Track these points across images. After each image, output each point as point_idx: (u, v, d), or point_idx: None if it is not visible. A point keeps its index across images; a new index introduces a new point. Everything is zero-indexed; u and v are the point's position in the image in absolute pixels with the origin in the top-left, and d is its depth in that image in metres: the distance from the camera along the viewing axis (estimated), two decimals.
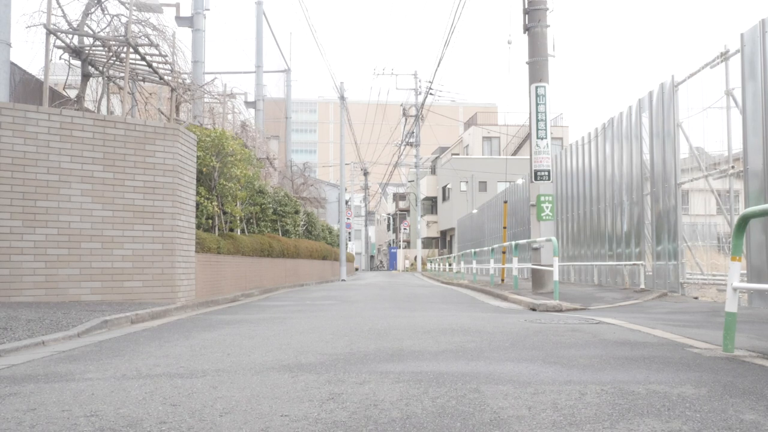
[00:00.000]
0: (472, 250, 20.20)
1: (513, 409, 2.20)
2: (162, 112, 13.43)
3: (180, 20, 16.30)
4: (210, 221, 10.87)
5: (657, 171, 10.75)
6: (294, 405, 2.29)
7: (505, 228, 17.04)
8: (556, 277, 8.43)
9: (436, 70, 27.65)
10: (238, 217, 12.81)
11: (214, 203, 10.70)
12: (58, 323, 4.89)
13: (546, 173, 10.40)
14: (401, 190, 61.00)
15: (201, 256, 9.10)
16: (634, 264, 11.48)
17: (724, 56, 8.57)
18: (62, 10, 9.78)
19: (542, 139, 10.40)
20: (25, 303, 6.53)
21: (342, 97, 25.01)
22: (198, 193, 10.02)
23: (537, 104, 10.39)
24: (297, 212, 18.98)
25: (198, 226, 9.97)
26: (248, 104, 24.07)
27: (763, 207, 3.54)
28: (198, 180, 10.08)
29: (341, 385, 2.65)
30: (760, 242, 7.30)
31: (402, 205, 59.13)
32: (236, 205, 11.91)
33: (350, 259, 37.58)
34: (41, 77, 10.21)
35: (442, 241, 48.30)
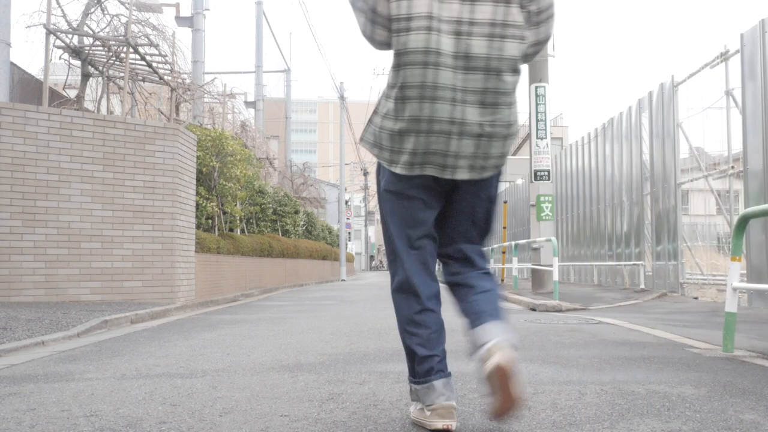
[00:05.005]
0: None
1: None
2: (162, 112, 13.43)
3: (180, 20, 16.30)
4: (210, 221, 10.87)
5: (657, 171, 10.75)
6: (294, 405, 2.29)
7: (504, 228, 17.04)
8: (555, 277, 8.44)
9: None
10: (238, 217, 12.81)
11: (214, 203, 10.70)
12: (57, 323, 4.89)
13: (546, 173, 10.40)
14: None
15: (201, 256, 9.10)
16: (633, 264, 11.48)
17: (724, 56, 8.57)
18: (62, 10, 9.79)
19: (542, 139, 10.40)
20: (25, 303, 6.53)
21: (342, 97, 25.02)
22: (198, 193, 10.02)
23: (537, 104, 10.39)
24: (297, 212, 18.97)
25: (198, 226, 9.97)
26: (248, 104, 24.08)
27: (763, 207, 3.54)
28: (198, 180, 10.08)
29: (341, 385, 2.65)
30: (760, 242, 7.30)
31: None
32: (236, 205, 11.91)
33: (350, 259, 37.57)
34: (41, 77, 10.21)
35: None
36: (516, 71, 1.87)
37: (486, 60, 1.80)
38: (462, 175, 1.87)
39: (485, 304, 1.92)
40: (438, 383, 1.87)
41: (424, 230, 1.99)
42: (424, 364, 1.90)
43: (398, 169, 1.89)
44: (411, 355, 1.95)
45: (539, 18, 1.92)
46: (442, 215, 2.04)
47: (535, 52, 1.98)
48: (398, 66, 1.84)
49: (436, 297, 2.00)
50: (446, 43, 1.78)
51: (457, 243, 2.05)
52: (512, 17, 1.83)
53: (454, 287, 2.05)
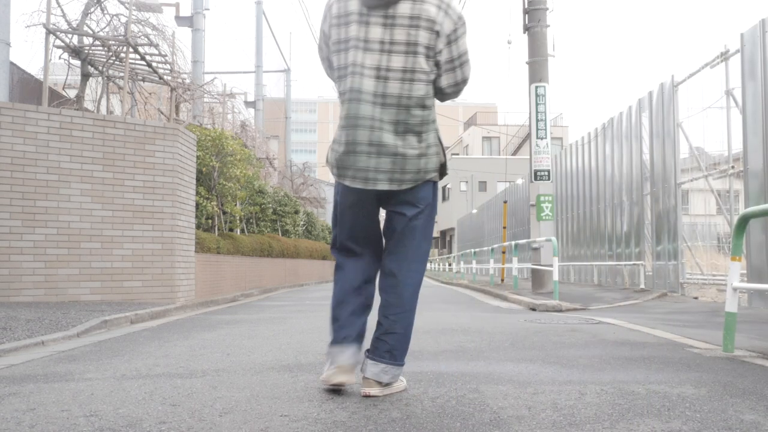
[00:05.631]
0: (472, 250, 20.21)
1: (513, 409, 2.20)
2: (162, 112, 13.43)
3: (180, 20, 16.31)
4: (210, 221, 10.87)
5: (657, 171, 10.75)
6: (294, 405, 2.29)
7: (504, 228, 17.05)
8: (555, 277, 8.44)
9: None
10: (238, 217, 12.81)
11: (214, 203, 10.70)
12: (57, 323, 4.89)
13: (546, 173, 10.40)
14: None
15: (201, 256, 9.10)
16: (634, 264, 11.48)
17: (724, 56, 8.57)
18: (62, 10, 9.79)
19: (542, 139, 10.40)
20: (25, 303, 6.53)
21: None
22: (198, 193, 10.01)
23: (537, 104, 10.39)
24: (297, 212, 18.97)
25: (198, 226, 9.97)
26: (248, 104, 24.08)
27: (763, 207, 3.54)
28: (198, 180, 10.08)
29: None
30: (760, 242, 7.30)
31: None
32: (236, 205, 11.91)
33: None
34: (40, 77, 10.21)
35: (442, 241, 48.31)
36: (424, 107, 2.33)
37: (398, 98, 2.28)
38: (382, 186, 2.32)
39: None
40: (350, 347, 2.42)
41: (365, 235, 2.50)
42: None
43: (346, 182, 2.37)
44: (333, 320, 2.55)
45: (453, 65, 2.37)
46: (385, 230, 2.51)
47: (456, 91, 2.44)
48: (341, 103, 2.38)
49: (362, 288, 2.50)
50: (368, 84, 2.28)
51: (387, 257, 2.50)
52: (419, 65, 2.29)
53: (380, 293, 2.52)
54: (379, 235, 2.54)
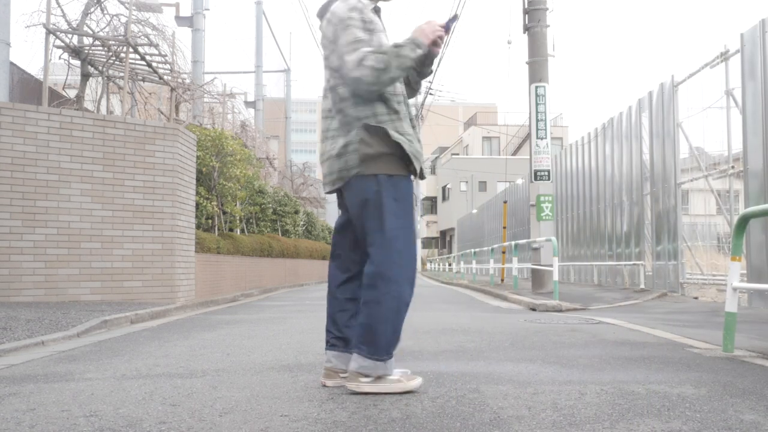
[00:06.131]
0: (472, 250, 20.21)
1: (513, 409, 2.20)
2: (162, 112, 13.43)
3: (180, 20, 16.32)
4: (210, 221, 10.87)
5: (657, 171, 10.75)
6: (294, 405, 2.29)
7: (504, 228, 17.05)
8: (555, 277, 8.44)
9: (436, 70, 27.62)
10: (238, 217, 12.81)
11: (214, 203, 10.70)
12: (57, 323, 4.89)
13: (546, 173, 10.40)
14: None
15: (201, 256, 9.09)
16: (633, 264, 11.48)
17: (724, 56, 8.57)
18: (62, 10, 9.79)
19: (542, 139, 10.40)
20: (25, 303, 6.53)
21: None
22: (198, 193, 10.01)
23: (537, 104, 10.39)
24: (297, 212, 18.97)
25: (198, 226, 9.97)
26: (248, 104, 24.08)
27: (763, 207, 3.55)
28: (198, 180, 10.08)
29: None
30: (760, 242, 7.30)
31: None
32: (236, 205, 11.91)
33: None
34: (40, 77, 10.21)
35: (442, 241, 48.29)
36: (338, 112, 2.52)
37: (329, 110, 2.58)
38: (328, 188, 2.62)
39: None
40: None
41: (342, 235, 2.71)
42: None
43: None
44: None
45: (340, 64, 2.45)
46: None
47: (357, 92, 2.45)
48: None
49: (343, 287, 2.75)
50: (325, 103, 2.61)
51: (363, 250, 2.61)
52: (325, 78, 2.60)
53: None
54: (355, 242, 2.67)
